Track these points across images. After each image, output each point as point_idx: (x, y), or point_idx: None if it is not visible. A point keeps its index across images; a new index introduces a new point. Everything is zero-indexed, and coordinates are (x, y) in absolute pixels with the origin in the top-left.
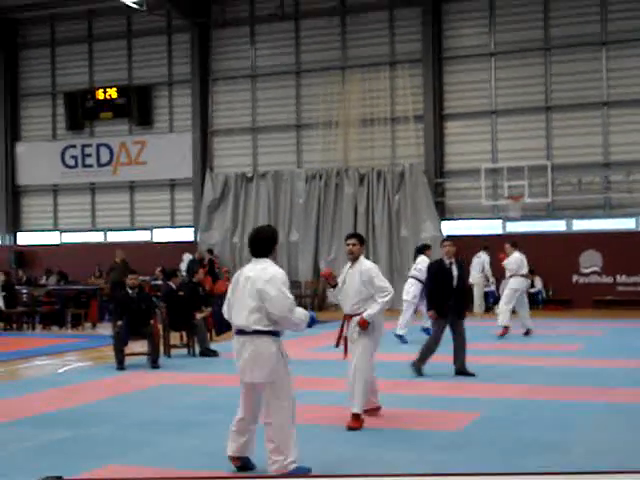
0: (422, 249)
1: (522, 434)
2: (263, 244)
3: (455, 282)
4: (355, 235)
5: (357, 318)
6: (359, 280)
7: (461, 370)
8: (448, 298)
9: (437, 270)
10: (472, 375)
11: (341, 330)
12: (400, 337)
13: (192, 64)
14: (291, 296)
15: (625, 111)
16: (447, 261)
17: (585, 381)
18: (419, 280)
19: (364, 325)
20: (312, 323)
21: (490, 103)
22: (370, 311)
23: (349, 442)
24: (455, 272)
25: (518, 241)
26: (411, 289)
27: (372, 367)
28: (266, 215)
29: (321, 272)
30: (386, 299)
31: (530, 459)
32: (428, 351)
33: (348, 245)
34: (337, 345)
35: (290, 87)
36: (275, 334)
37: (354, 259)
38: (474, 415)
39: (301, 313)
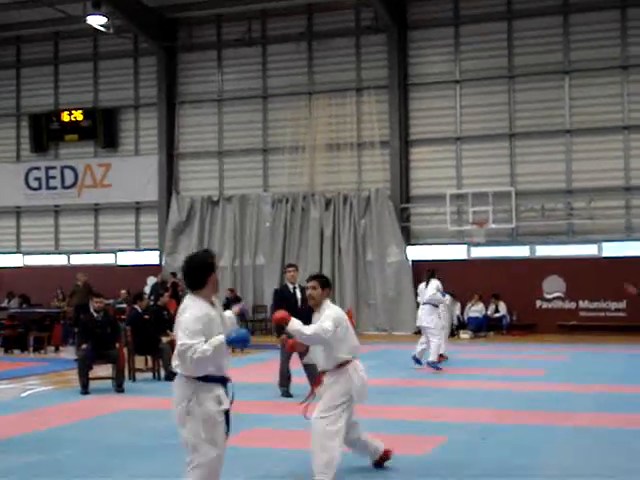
0: (434, 274)
1: (489, 458)
2: (191, 275)
3: (300, 305)
4: (316, 277)
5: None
6: None
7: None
8: None
9: (282, 294)
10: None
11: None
12: (434, 364)
13: (158, 87)
14: (193, 340)
15: (587, 139)
16: (291, 286)
17: (551, 406)
18: (435, 305)
19: (292, 346)
20: (243, 343)
21: (455, 129)
22: (302, 328)
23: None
24: (299, 295)
25: (483, 266)
26: (432, 316)
27: (337, 433)
28: (232, 239)
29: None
30: (319, 333)
31: None
32: (285, 378)
33: (308, 289)
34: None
35: (257, 111)
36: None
37: (315, 305)
38: (441, 439)
39: (202, 350)
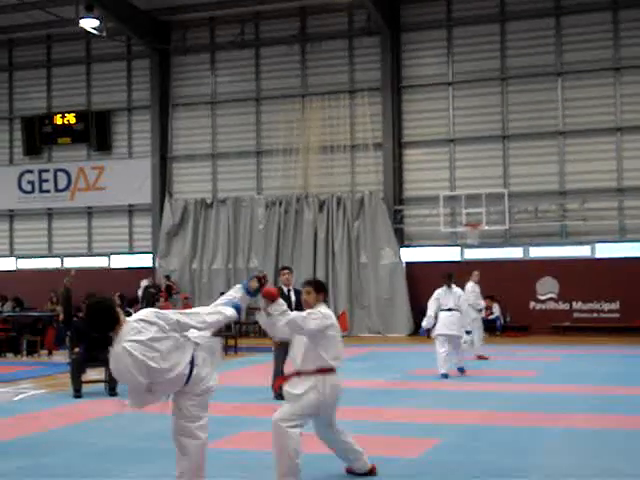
0: (450, 276)
1: (482, 460)
2: (96, 324)
3: (294, 307)
4: (311, 282)
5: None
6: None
7: None
8: None
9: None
10: None
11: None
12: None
13: (152, 90)
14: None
15: (580, 140)
16: (285, 288)
17: (543, 407)
18: (459, 310)
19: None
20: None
21: (448, 131)
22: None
23: (311, 469)
24: (293, 298)
25: (476, 268)
26: (461, 324)
27: (298, 436)
28: (226, 241)
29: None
30: (297, 319)
31: None
32: (276, 374)
33: (302, 294)
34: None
35: (250, 114)
36: None
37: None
38: (434, 441)
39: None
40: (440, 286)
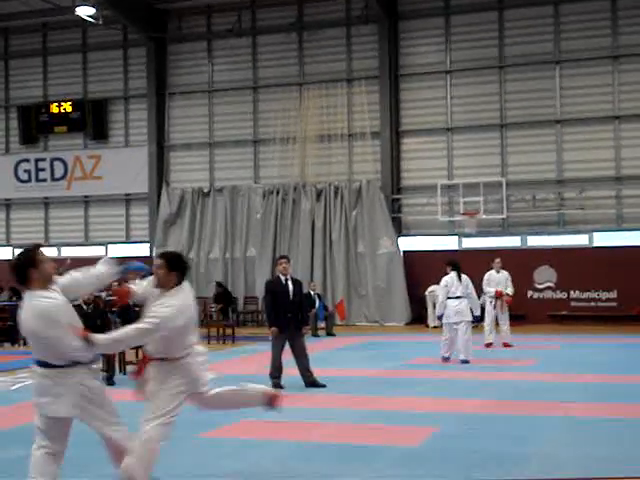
0: (458, 265)
1: (481, 448)
2: (15, 273)
3: (291, 297)
4: (165, 255)
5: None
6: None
7: (312, 382)
8: (286, 313)
9: (274, 286)
10: (323, 386)
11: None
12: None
13: (148, 78)
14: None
15: (578, 129)
16: (282, 278)
17: (541, 395)
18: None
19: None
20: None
21: (446, 120)
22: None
23: (307, 457)
24: (291, 287)
25: (474, 257)
26: (468, 308)
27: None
28: (223, 230)
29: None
30: (131, 335)
31: (489, 472)
32: (276, 369)
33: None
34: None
35: (247, 102)
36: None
37: (161, 288)
38: (432, 430)
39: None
40: (443, 274)
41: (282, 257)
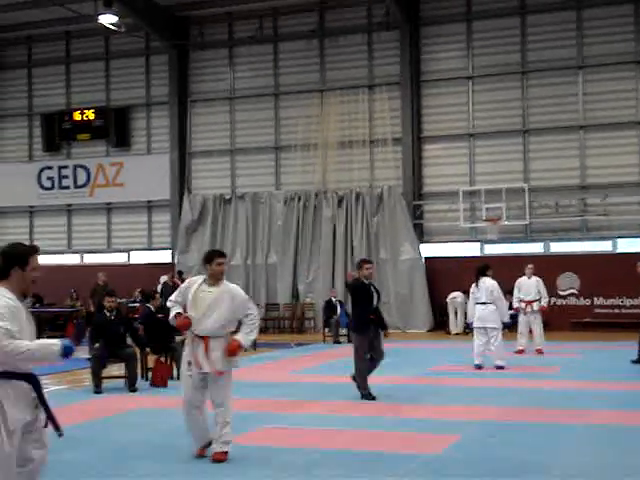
0: (485, 270)
1: (503, 456)
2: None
3: (375, 301)
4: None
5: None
6: None
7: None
8: (370, 315)
9: (360, 289)
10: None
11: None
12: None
13: (170, 86)
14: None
15: (601, 134)
16: (366, 282)
17: (564, 403)
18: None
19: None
20: (68, 352)
21: (468, 126)
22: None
23: (332, 465)
24: (373, 291)
25: (496, 263)
26: (495, 314)
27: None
28: (244, 237)
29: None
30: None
31: None
32: (365, 373)
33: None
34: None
35: (268, 109)
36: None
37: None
38: (454, 437)
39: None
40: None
41: (367, 261)
